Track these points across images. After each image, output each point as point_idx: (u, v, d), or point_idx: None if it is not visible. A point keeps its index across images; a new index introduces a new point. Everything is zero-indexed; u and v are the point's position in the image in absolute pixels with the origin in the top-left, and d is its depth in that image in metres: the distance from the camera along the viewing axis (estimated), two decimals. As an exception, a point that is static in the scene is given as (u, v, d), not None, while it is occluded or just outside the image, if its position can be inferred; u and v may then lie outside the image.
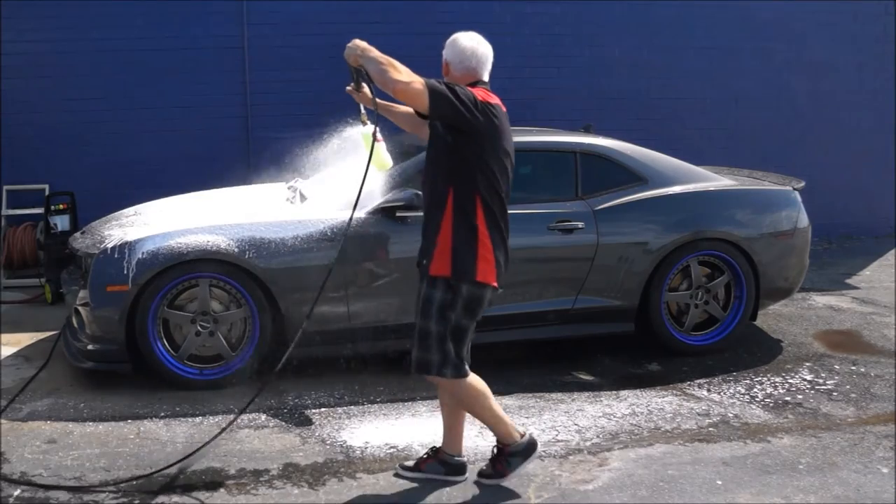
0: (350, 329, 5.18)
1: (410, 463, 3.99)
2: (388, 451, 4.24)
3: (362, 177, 3.78)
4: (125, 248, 4.97)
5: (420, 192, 5.11)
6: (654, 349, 5.67)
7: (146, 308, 4.92)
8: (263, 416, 4.67)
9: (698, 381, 5.26)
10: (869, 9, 9.57)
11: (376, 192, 5.27)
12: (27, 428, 4.49)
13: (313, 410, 4.76)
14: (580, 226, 5.45)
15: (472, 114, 3.46)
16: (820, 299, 7.17)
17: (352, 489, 3.85)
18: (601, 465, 4.10)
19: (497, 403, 3.82)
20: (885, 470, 4.06)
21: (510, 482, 3.87)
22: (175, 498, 3.75)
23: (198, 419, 4.62)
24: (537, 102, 8.61)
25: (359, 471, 4.03)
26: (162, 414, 4.68)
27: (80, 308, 5.15)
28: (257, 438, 4.39)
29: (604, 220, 5.50)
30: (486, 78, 3.73)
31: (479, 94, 3.56)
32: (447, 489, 3.85)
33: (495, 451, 3.90)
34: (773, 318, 6.55)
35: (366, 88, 3.84)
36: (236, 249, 4.98)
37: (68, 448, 4.24)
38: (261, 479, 3.94)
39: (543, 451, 4.23)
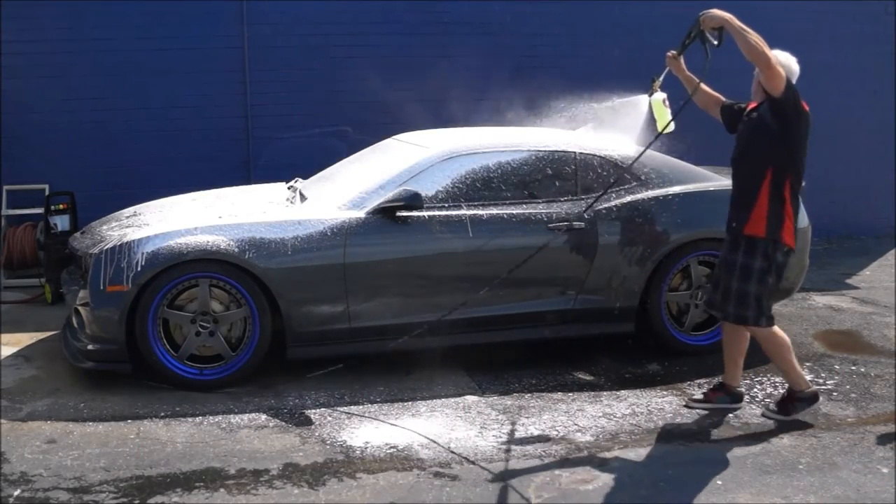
0: (350, 329, 5.19)
1: (699, 395, 4.84)
2: (388, 451, 4.24)
3: (650, 140, 4.96)
4: (125, 248, 4.97)
5: (419, 193, 5.17)
6: (654, 349, 5.67)
7: (146, 308, 4.92)
8: (263, 416, 4.67)
9: (698, 381, 5.26)
10: (869, 9, 9.57)
11: (376, 193, 5.28)
12: (27, 428, 4.49)
13: (313, 410, 4.76)
14: (580, 226, 5.45)
15: (799, 107, 4.38)
16: (820, 299, 7.17)
17: (352, 489, 3.85)
18: (601, 465, 4.10)
19: (793, 354, 4.64)
20: (885, 470, 4.06)
21: (518, 482, 3.87)
22: (175, 498, 3.75)
23: (198, 419, 4.62)
24: (537, 102, 8.60)
25: (359, 471, 4.03)
26: (162, 414, 4.68)
27: (80, 308, 5.15)
28: (257, 438, 4.39)
29: (604, 220, 5.50)
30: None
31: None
32: (447, 489, 3.85)
33: (785, 394, 4.68)
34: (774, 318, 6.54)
35: (680, 61, 4.90)
36: (236, 249, 4.98)
37: (68, 448, 4.24)
38: (261, 479, 3.94)
39: (543, 452, 4.24)
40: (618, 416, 4.70)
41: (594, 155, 5.67)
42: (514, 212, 5.40)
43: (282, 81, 8.46)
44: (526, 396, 4.96)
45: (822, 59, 9.48)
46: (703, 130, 9.04)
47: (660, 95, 5.07)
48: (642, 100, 5.15)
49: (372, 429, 4.52)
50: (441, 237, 5.25)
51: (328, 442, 4.36)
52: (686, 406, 4.78)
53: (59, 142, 8.10)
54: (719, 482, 3.93)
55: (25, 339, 5.98)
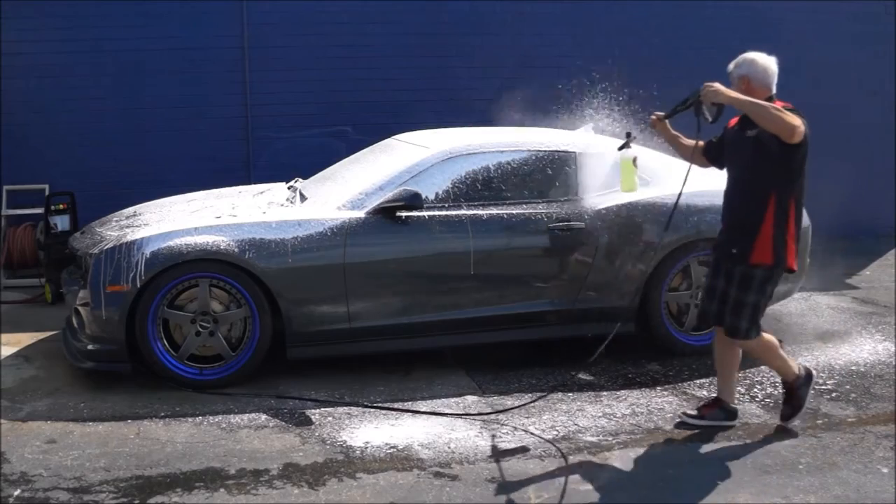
0: (350, 329, 5.19)
1: (693, 411, 4.65)
2: (388, 451, 4.24)
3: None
4: (125, 248, 4.97)
5: (419, 193, 5.17)
6: (654, 349, 5.67)
7: (146, 308, 4.92)
8: (263, 416, 4.67)
9: (698, 381, 5.26)
10: (869, 9, 9.56)
11: (376, 193, 5.28)
12: (27, 428, 4.49)
13: (313, 410, 4.76)
14: (580, 226, 5.45)
15: (803, 138, 4.16)
16: (820, 299, 7.17)
17: (352, 489, 3.85)
18: (601, 465, 4.10)
19: (782, 351, 4.59)
20: (885, 470, 4.06)
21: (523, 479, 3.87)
22: (175, 498, 3.75)
23: (198, 419, 4.62)
24: (537, 102, 8.60)
25: (359, 471, 4.03)
26: (162, 414, 4.68)
27: (80, 308, 5.14)
28: (257, 438, 4.39)
29: (604, 220, 5.50)
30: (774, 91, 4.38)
31: (790, 108, 4.19)
32: (447, 488, 3.85)
33: (785, 392, 4.59)
34: (773, 318, 6.55)
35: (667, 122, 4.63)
36: (236, 249, 4.98)
37: (68, 448, 4.24)
38: (261, 479, 3.94)
39: (543, 452, 4.24)
40: (618, 416, 4.70)
41: (594, 154, 5.66)
42: (514, 212, 5.40)
43: (282, 81, 8.47)
44: (526, 396, 4.96)
45: (822, 59, 9.49)
46: (704, 130, 9.06)
47: (630, 153, 4.79)
48: (616, 153, 4.91)
49: (372, 429, 4.52)
50: (441, 237, 5.25)
51: (328, 442, 4.35)
52: (679, 420, 4.62)
53: (59, 142, 8.10)
54: (719, 482, 3.93)
55: (25, 339, 5.98)
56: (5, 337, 5.97)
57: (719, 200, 5.71)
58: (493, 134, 6.08)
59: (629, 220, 5.54)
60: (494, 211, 5.37)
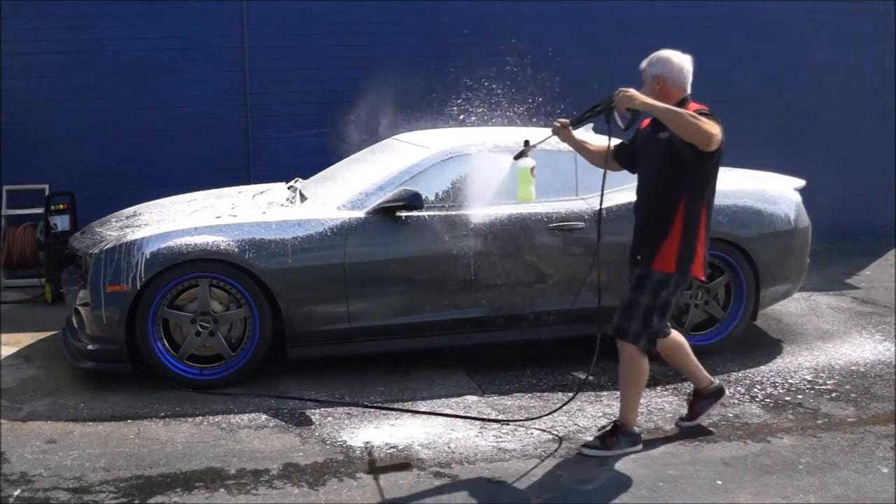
0: (350, 329, 5.18)
1: (685, 417, 4.52)
2: (388, 451, 4.24)
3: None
4: (125, 248, 4.97)
5: (419, 193, 5.17)
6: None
7: (146, 308, 4.92)
8: (263, 416, 4.67)
9: (698, 381, 5.26)
10: (869, 9, 9.56)
11: (376, 193, 5.28)
12: (27, 428, 4.49)
13: (313, 410, 4.75)
14: (580, 226, 5.45)
15: (721, 149, 3.99)
16: (820, 299, 7.16)
17: (352, 489, 3.85)
18: (601, 465, 4.10)
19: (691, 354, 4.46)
20: (885, 470, 4.06)
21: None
22: (175, 498, 3.75)
23: (198, 419, 4.62)
24: (538, 102, 8.60)
25: (359, 471, 4.03)
26: (162, 414, 4.68)
27: (80, 308, 5.14)
28: (257, 438, 4.39)
29: (604, 220, 5.49)
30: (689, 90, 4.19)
31: (710, 112, 3.99)
32: (447, 488, 3.85)
33: (612, 426, 4.27)
34: (774, 318, 6.55)
35: (572, 129, 4.42)
36: (236, 249, 4.98)
37: (68, 448, 4.24)
38: (261, 479, 3.94)
39: (543, 451, 4.24)
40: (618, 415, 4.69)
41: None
42: (515, 212, 5.40)
43: (282, 81, 8.46)
44: (526, 396, 4.96)
45: (822, 59, 9.49)
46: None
47: (528, 162, 4.53)
48: (512, 161, 4.63)
49: (372, 429, 4.52)
50: (441, 237, 5.24)
51: (328, 442, 4.35)
52: (677, 425, 4.54)
53: (59, 142, 8.10)
54: (719, 482, 3.93)
55: (25, 339, 5.98)
56: (5, 337, 5.97)
57: (719, 201, 5.68)
58: (494, 134, 6.07)
59: (629, 220, 5.51)
60: (494, 211, 5.36)
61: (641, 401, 4.90)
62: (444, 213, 5.30)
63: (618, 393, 5.02)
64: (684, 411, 4.75)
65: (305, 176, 6.39)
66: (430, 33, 8.74)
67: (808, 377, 5.32)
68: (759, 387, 5.16)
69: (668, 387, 5.16)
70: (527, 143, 4.58)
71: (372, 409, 4.77)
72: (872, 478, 3.98)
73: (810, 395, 5.02)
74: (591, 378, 5.28)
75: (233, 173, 8.14)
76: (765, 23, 9.33)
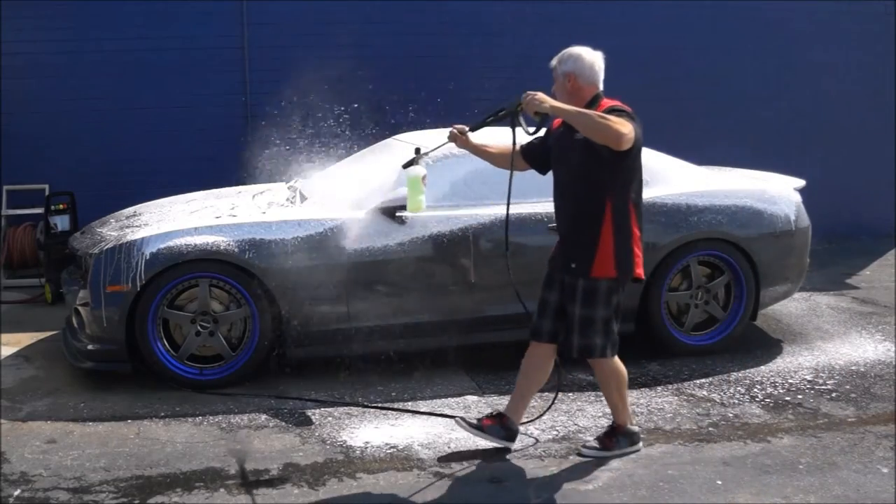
0: (350, 329, 5.18)
1: (473, 420, 4.25)
2: (388, 451, 4.24)
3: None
4: (125, 248, 4.97)
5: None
6: (654, 349, 5.67)
7: (146, 308, 4.92)
8: (263, 416, 4.67)
9: (698, 381, 5.26)
10: (869, 9, 9.55)
11: (376, 193, 5.28)
12: (27, 428, 4.49)
13: (313, 410, 4.76)
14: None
15: (639, 142, 3.90)
16: (820, 299, 7.16)
17: (352, 489, 3.85)
18: (601, 465, 4.10)
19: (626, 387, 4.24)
20: (885, 470, 4.06)
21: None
22: (175, 498, 3.75)
23: (198, 419, 4.62)
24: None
25: (359, 471, 4.03)
26: (162, 414, 4.68)
27: (80, 308, 5.15)
28: (257, 438, 4.39)
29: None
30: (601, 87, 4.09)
31: (624, 107, 3.92)
32: (447, 489, 3.85)
33: (607, 429, 4.24)
34: (773, 318, 6.55)
35: (471, 135, 4.28)
36: (236, 249, 4.98)
37: (68, 448, 4.24)
38: (261, 479, 3.94)
39: (543, 451, 4.24)
40: (618, 416, 4.70)
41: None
42: (515, 212, 5.38)
43: (282, 81, 8.46)
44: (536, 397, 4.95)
45: (822, 59, 9.49)
46: (704, 130, 9.07)
47: (419, 171, 4.32)
48: (403, 170, 4.44)
49: (372, 429, 4.52)
50: (441, 237, 5.24)
51: (328, 442, 4.35)
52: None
53: (59, 142, 8.09)
54: (719, 482, 3.93)
55: (25, 339, 5.98)
56: (5, 337, 5.97)
57: (719, 200, 5.77)
58: (493, 134, 6.07)
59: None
60: (494, 211, 5.36)
61: (641, 401, 4.91)
62: (443, 212, 5.29)
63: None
64: (685, 411, 4.76)
65: (305, 176, 6.39)
66: (430, 33, 8.73)
67: (808, 377, 5.32)
68: (759, 387, 5.16)
69: (668, 387, 5.16)
70: (418, 150, 4.39)
71: (372, 409, 4.78)
72: (872, 478, 3.98)
73: (810, 395, 5.02)
74: (581, 378, 5.29)
75: (233, 173, 8.13)
76: (765, 23, 9.32)
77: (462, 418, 4.28)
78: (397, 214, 5.19)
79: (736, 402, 4.93)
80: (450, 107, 8.31)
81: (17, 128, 7.98)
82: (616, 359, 4.13)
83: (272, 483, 3.90)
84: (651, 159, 5.83)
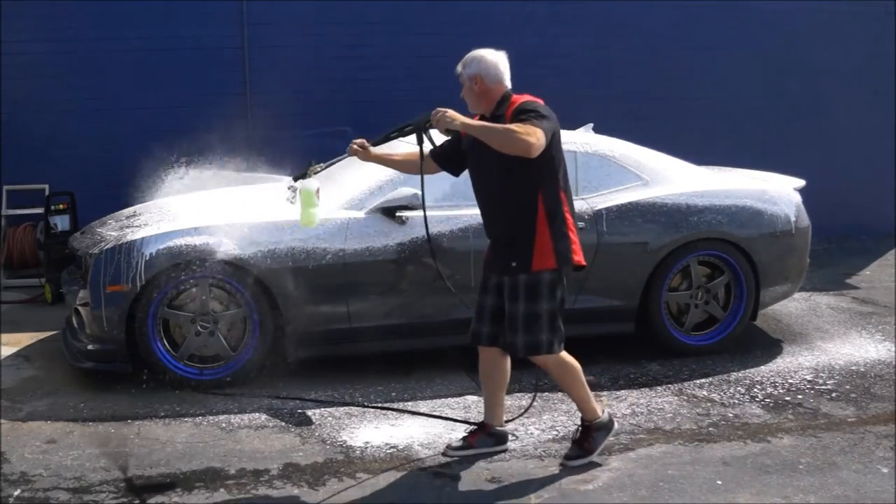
0: (350, 329, 5.18)
1: (458, 443, 4.21)
2: (388, 451, 4.24)
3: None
4: (125, 248, 4.97)
5: (419, 192, 5.15)
6: (654, 349, 5.67)
7: (146, 308, 4.92)
8: (263, 416, 4.67)
9: (698, 381, 5.26)
10: (869, 9, 9.56)
11: (376, 193, 5.28)
12: (27, 428, 4.49)
13: (313, 410, 4.76)
14: (580, 226, 5.44)
15: (556, 130, 3.90)
16: (820, 299, 7.16)
17: (352, 489, 3.85)
18: (601, 465, 4.10)
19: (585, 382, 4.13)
20: (885, 470, 4.06)
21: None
22: (175, 498, 3.75)
23: (198, 419, 4.62)
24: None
25: (359, 471, 4.03)
26: (162, 414, 4.68)
27: (80, 308, 5.15)
28: (257, 438, 4.39)
29: (604, 220, 5.50)
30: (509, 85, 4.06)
31: (535, 102, 3.94)
32: (447, 489, 3.85)
33: (581, 430, 4.15)
34: (773, 318, 6.55)
35: (376, 149, 4.30)
36: (236, 249, 4.98)
37: (68, 448, 4.24)
38: (261, 479, 3.94)
39: (543, 451, 4.24)
40: (618, 416, 4.69)
41: (594, 154, 5.66)
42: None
43: (282, 81, 8.46)
44: (526, 397, 4.95)
45: (822, 59, 9.49)
46: (704, 130, 9.07)
47: (312, 184, 4.22)
48: (296, 184, 4.40)
49: (372, 429, 4.52)
50: (441, 237, 5.24)
51: (328, 442, 4.35)
52: (443, 454, 4.18)
53: (59, 142, 8.09)
54: (719, 482, 3.93)
55: (25, 339, 5.98)
56: (5, 337, 5.97)
57: (719, 200, 5.77)
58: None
59: (629, 220, 5.54)
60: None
61: (641, 401, 4.92)
62: (443, 212, 5.29)
63: (617, 393, 5.05)
64: (685, 411, 4.76)
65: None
66: (430, 33, 8.73)
67: (808, 377, 5.32)
68: (759, 387, 5.16)
69: (668, 387, 5.16)
70: (310, 163, 4.31)
71: (372, 409, 4.78)
72: (872, 478, 3.98)
73: (810, 395, 5.02)
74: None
75: (232, 173, 8.13)
76: (765, 23, 9.32)
77: (448, 447, 4.21)
78: (397, 214, 5.19)
79: (736, 402, 4.93)
80: (449, 107, 8.29)
81: (17, 128, 7.98)
82: (564, 353, 4.04)
83: (272, 483, 3.90)
84: (651, 159, 5.84)
